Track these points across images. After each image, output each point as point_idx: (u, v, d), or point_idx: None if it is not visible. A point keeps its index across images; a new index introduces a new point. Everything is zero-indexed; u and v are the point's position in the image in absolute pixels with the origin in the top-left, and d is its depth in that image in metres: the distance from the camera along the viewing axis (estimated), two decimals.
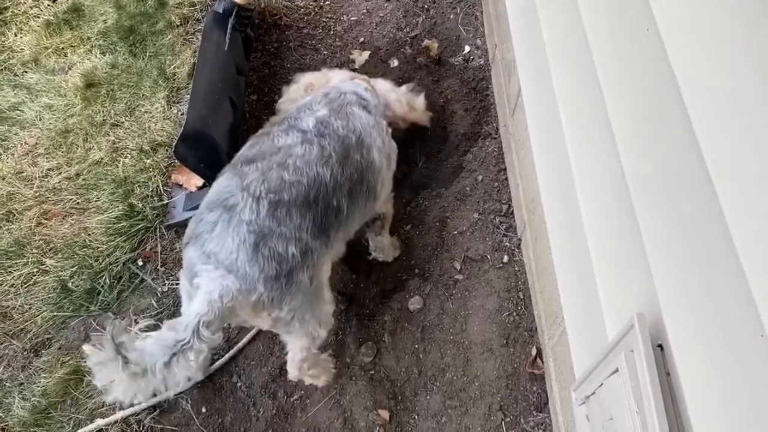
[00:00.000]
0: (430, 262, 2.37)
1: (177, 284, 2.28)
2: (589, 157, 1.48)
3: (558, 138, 1.64)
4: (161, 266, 2.41)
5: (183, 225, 2.33)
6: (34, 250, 2.44)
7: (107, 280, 2.36)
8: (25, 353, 2.26)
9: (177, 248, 2.43)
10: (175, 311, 2.29)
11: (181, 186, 2.54)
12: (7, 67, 2.99)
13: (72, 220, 2.52)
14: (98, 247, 2.43)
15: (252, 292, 1.61)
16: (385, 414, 2.09)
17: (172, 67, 2.89)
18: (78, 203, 2.57)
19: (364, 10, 3.11)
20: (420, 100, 2.49)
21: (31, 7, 3.18)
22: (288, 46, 3.04)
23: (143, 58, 2.93)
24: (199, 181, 2.47)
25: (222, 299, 1.55)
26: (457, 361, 2.16)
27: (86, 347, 1.43)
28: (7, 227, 2.51)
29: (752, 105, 0.80)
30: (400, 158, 2.20)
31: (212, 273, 1.60)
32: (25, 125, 2.79)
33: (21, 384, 2.20)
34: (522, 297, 2.25)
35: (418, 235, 2.44)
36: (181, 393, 2.16)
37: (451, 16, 3.01)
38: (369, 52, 2.94)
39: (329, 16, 3.13)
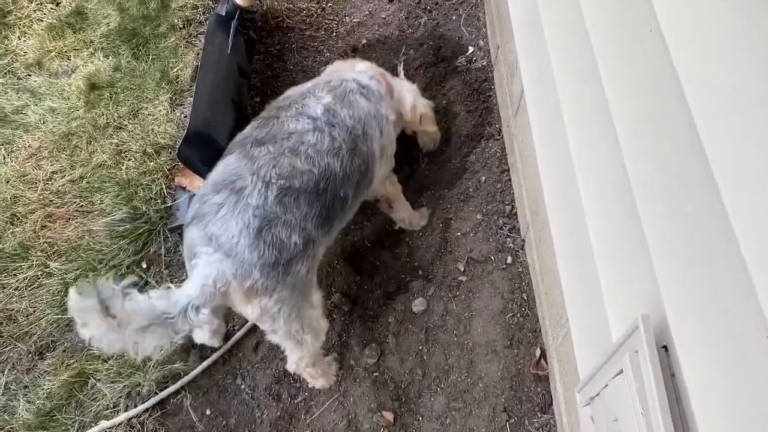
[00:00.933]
0: (433, 264, 2.37)
1: (180, 287, 2.27)
2: (591, 157, 1.47)
3: (560, 138, 1.64)
4: (165, 269, 2.42)
5: None
6: (39, 253, 2.45)
7: None
8: (29, 356, 2.27)
9: (181, 251, 2.43)
10: None
11: (184, 188, 2.53)
12: (10, 71, 3.00)
13: (76, 223, 2.53)
14: (102, 250, 2.44)
15: (247, 277, 1.61)
16: (389, 416, 2.09)
17: (175, 69, 2.89)
18: (82, 206, 2.58)
19: (367, 12, 3.11)
20: (432, 122, 2.45)
21: (34, 11, 3.19)
22: (290, 48, 3.04)
23: (146, 61, 2.94)
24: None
25: (215, 284, 1.56)
26: (461, 362, 2.16)
27: (71, 291, 1.41)
28: (11, 230, 2.52)
29: (755, 101, 0.79)
30: (403, 159, 2.20)
31: (211, 256, 1.60)
32: (28, 128, 2.80)
33: (26, 387, 2.21)
34: (526, 298, 2.24)
35: (422, 237, 2.43)
36: (185, 393, 2.16)
37: (454, 18, 3.00)
38: None
39: (331, 18, 3.13)
